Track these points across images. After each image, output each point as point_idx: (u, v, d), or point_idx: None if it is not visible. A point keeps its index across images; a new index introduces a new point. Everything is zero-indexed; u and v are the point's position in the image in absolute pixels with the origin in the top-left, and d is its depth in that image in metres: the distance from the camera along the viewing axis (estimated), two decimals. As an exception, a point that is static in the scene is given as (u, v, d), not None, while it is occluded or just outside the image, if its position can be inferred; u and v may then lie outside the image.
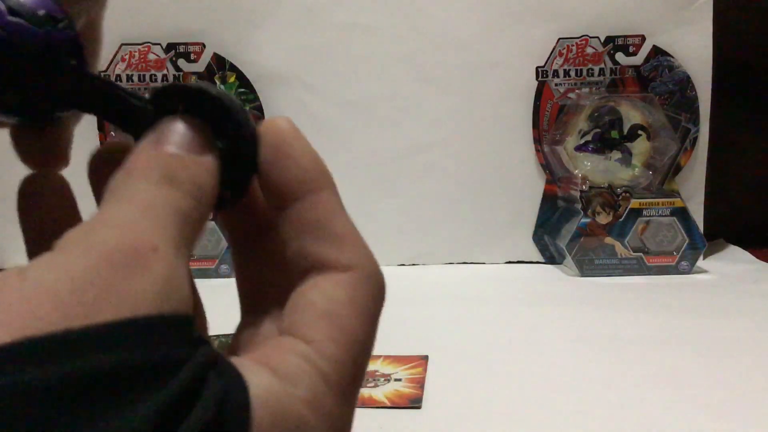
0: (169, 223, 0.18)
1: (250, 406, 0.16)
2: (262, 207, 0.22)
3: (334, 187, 0.20)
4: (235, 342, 0.22)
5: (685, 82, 0.92)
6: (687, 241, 0.87)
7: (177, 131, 0.20)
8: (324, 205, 0.20)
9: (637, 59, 0.93)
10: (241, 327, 0.22)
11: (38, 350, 0.14)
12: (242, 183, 0.21)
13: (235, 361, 0.17)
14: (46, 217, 0.23)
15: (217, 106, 0.20)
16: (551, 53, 0.93)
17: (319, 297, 0.19)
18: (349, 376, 0.19)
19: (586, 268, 0.87)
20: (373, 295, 0.20)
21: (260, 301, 0.22)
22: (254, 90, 0.94)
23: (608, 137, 0.92)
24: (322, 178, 0.20)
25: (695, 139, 0.93)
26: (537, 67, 0.93)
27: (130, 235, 0.17)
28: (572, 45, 0.93)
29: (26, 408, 0.13)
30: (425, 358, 0.58)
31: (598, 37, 0.93)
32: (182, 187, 0.19)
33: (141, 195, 0.18)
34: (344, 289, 0.19)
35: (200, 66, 0.94)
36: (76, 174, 0.24)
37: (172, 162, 0.19)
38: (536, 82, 0.93)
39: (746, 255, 0.94)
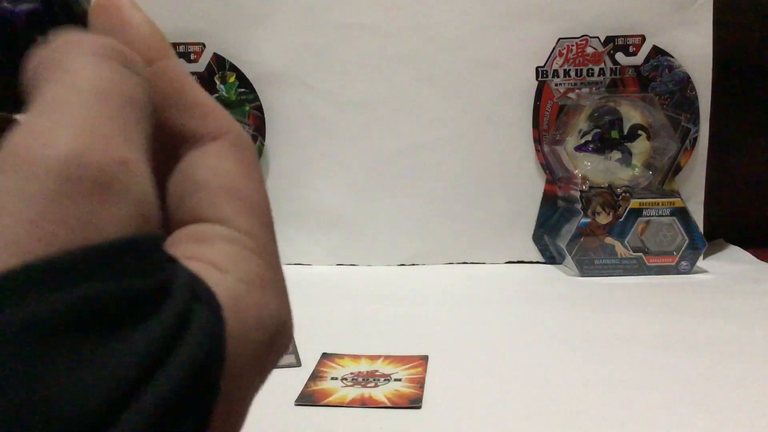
0: (130, 120, 0.15)
1: (225, 328, 0.15)
2: None
3: (176, 56, 0.19)
4: None
5: (685, 82, 0.92)
6: (687, 241, 0.87)
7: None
8: (172, 73, 0.19)
9: (637, 59, 0.93)
10: None
11: (13, 284, 0.13)
12: None
13: (188, 265, 0.16)
14: None
15: None
16: (551, 53, 0.93)
17: (209, 174, 0.18)
18: (266, 242, 0.18)
19: (586, 268, 0.87)
20: (250, 155, 0.19)
21: None
22: (254, 90, 0.94)
23: (608, 137, 0.92)
24: (165, 47, 0.19)
25: (695, 139, 0.93)
26: (537, 67, 0.93)
27: (93, 146, 0.14)
28: (572, 45, 0.93)
29: (6, 346, 0.12)
30: (425, 358, 0.58)
31: (598, 37, 0.93)
32: (137, 67, 0.16)
33: (88, 73, 0.15)
34: (227, 159, 0.19)
35: (200, 66, 0.94)
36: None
37: (119, 45, 0.17)
38: (536, 82, 0.93)
39: (746, 255, 0.94)
